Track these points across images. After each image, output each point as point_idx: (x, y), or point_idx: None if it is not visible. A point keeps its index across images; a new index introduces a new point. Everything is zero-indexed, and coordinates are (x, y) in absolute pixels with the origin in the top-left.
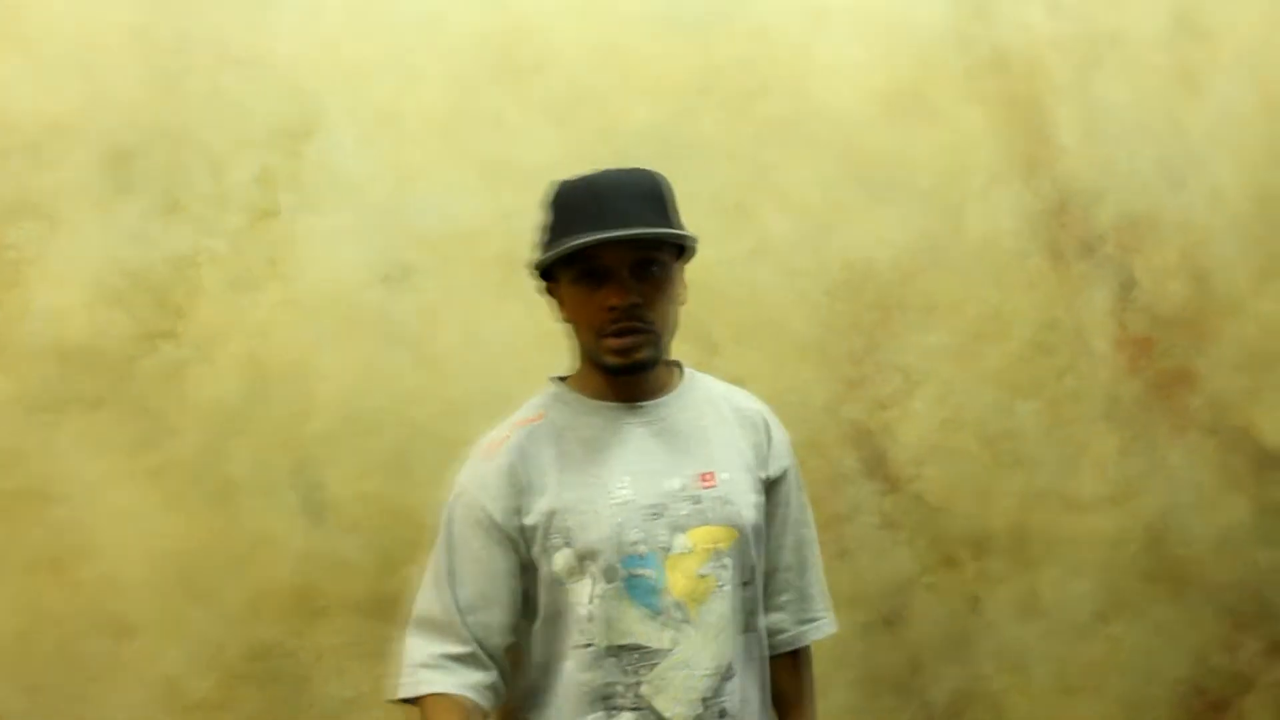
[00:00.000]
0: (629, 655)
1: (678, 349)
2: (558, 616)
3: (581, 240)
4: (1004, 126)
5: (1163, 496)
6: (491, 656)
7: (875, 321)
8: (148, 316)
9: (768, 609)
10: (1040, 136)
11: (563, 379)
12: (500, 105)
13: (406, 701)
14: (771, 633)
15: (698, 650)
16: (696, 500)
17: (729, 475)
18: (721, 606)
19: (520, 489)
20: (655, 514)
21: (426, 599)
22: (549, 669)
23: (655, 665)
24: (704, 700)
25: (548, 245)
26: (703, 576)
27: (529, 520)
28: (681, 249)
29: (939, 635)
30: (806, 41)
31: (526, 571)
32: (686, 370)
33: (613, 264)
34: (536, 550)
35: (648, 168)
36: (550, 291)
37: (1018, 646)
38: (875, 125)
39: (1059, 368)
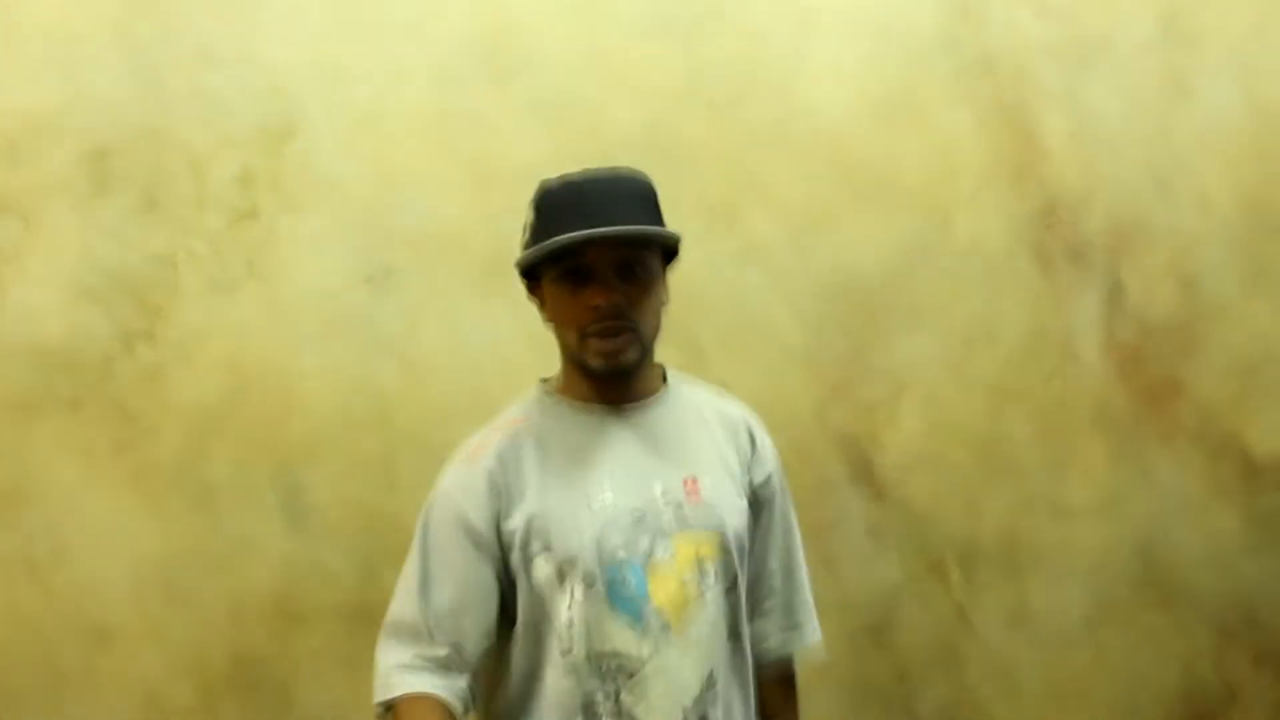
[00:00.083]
0: (610, 663)
1: (662, 353)
2: (538, 624)
3: (566, 237)
4: (992, 130)
5: (1151, 504)
6: (466, 663)
7: (862, 326)
8: (126, 317)
9: (752, 617)
10: (1028, 141)
11: (547, 381)
12: (484, 106)
13: (384, 708)
14: (756, 641)
15: (680, 659)
16: (679, 506)
17: (713, 481)
18: (705, 614)
19: (500, 495)
20: (637, 520)
21: (401, 604)
22: (530, 677)
23: (637, 674)
24: (686, 709)
25: (532, 244)
26: (685, 584)
27: (508, 526)
28: (667, 252)
29: (926, 644)
30: (794, 44)
31: (506, 578)
32: (671, 374)
33: (597, 263)
34: (516, 557)
35: (633, 169)
36: (534, 292)
37: (1005, 655)
38: (863, 128)
39: (1047, 373)
